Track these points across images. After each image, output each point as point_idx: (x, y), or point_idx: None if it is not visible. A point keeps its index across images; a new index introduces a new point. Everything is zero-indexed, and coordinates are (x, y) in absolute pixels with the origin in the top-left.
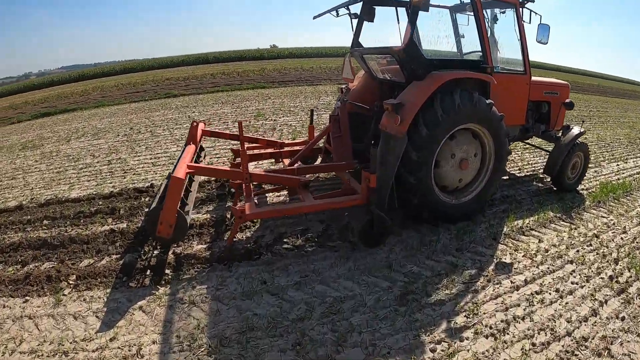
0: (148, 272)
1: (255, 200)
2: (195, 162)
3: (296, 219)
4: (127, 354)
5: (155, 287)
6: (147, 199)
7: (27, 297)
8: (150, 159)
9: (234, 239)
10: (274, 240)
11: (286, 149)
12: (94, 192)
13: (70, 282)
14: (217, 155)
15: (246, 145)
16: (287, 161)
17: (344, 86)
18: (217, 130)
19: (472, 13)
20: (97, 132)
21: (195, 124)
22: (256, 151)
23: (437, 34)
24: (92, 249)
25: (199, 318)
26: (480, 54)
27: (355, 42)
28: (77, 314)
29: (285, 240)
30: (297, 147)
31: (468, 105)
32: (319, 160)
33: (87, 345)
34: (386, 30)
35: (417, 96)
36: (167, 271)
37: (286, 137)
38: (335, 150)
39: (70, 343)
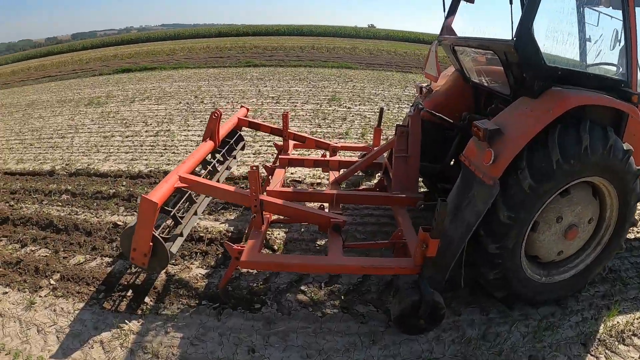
0: (129, 292)
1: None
2: (205, 167)
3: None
4: None
5: (128, 315)
6: None
7: (8, 289)
8: (199, 136)
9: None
10: (289, 285)
11: (336, 157)
12: (124, 169)
13: (52, 281)
14: (263, 152)
15: (291, 143)
16: (333, 176)
17: (424, 85)
18: (257, 120)
19: (609, 9)
20: (163, 96)
21: (215, 115)
22: (296, 153)
23: (553, 32)
24: (89, 243)
25: None
26: (615, 69)
27: (447, 27)
28: (42, 326)
29: (302, 288)
30: (352, 156)
31: (600, 149)
32: (375, 178)
33: None
34: (491, 14)
35: (525, 124)
36: (147, 299)
37: (355, 130)
38: (396, 175)
39: None
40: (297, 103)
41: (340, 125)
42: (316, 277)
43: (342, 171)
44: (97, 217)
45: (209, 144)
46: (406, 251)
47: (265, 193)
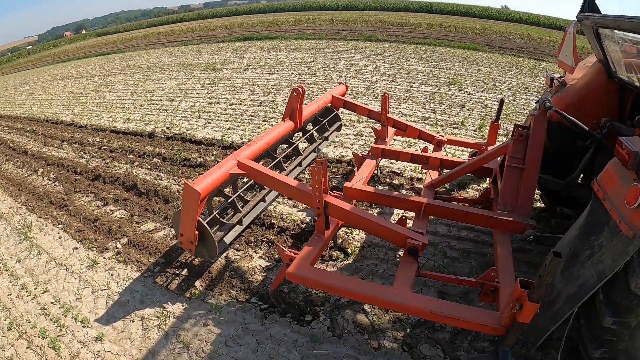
0: (184, 271)
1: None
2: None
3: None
4: None
5: (175, 296)
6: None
7: (79, 245)
8: None
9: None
10: (351, 301)
11: (439, 153)
12: (218, 138)
13: (119, 245)
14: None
15: (391, 131)
16: (430, 176)
17: (557, 76)
18: (354, 100)
19: None
20: (276, 65)
21: (297, 92)
22: (398, 142)
23: None
24: (163, 212)
25: None
26: None
27: (590, 3)
28: (96, 288)
29: (366, 307)
30: (461, 154)
31: None
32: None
33: (76, 330)
34: None
35: None
36: (198, 283)
37: (473, 121)
38: (505, 190)
39: (71, 317)
40: (413, 83)
41: (457, 113)
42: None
43: (443, 172)
44: (179, 186)
45: (288, 125)
46: (495, 298)
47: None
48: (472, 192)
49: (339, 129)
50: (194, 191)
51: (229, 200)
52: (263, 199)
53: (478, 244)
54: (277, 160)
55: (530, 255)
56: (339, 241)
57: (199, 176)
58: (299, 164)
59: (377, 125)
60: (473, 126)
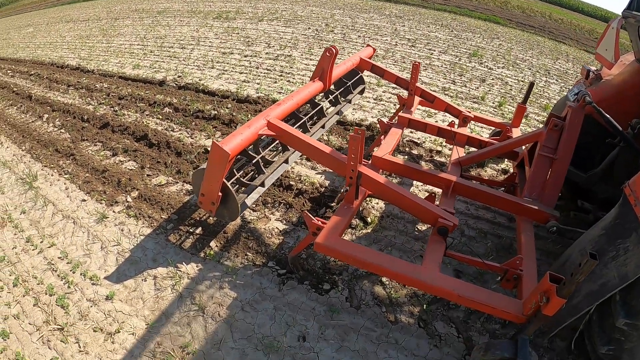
0: (198, 230)
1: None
2: (313, 107)
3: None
4: (101, 326)
5: (189, 255)
6: None
7: (87, 198)
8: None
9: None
10: (367, 273)
11: (465, 129)
12: (233, 90)
13: (129, 199)
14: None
15: (417, 100)
16: (457, 153)
17: (593, 69)
18: (382, 65)
19: None
20: (293, 19)
21: (330, 53)
22: (420, 112)
23: None
24: (175, 165)
25: (190, 339)
26: None
27: (639, 2)
28: (106, 244)
29: (384, 279)
30: (485, 132)
31: None
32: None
33: (85, 287)
34: None
35: None
36: (213, 243)
37: (492, 97)
38: (533, 178)
39: (80, 274)
40: (434, 51)
41: (477, 87)
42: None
43: (467, 150)
44: (192, 138)
45: (317, 85)
46: (516, 285)
47: (370, 157)
48: (489, 172)
49: (362, 92)
50: (223, 152)
51: (253, 162)
52: (286, 161)
53: (495, 225)
54: (301, 122)
55: (544, 242)
56: (360, 209)
57: (227, 136)
58: (322, 126)
59: (401, 92)
60: (493, 102)
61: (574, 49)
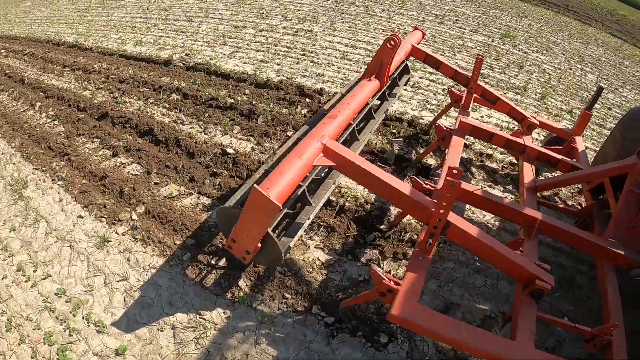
0: (222, 262)
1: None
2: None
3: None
4: None
5: (213, 296)
6: (304, 112)
7: (85, 213)
8: (345, 45)
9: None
10: None
11: (534, 142)
12: (250, 73)
13: (135, 215)
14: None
15: (473, 97)
16: (529, 174)
17: None
18: (437, 56)
19: None
20: None
21: (392, 43)
22: (484, 118)
23: None
24: (188, 170)
25: None
26: None
27: None
28: (110, 277)
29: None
30: (558, 140)
31: None
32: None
33: (89, 336)
34: None
35: None
36: (242, 281)
37: (533, 87)
38: (620, 217)
39: (82, 318)
40: (464, 30)
41: (517, 75)
42: (468, 310)
43: (539, 173)
44: (205, 134)
45: (374, 85)
46: (602, 349)
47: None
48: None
49: (407, 83)
50: (270, 203)
51: (299, 192)
52: (334, 181)
53: (556, 251)
54: (351, 129)
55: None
56: (414, 235)
57: (270, 175)
58: (370, 131)
59: (456, 87)
60: (535, 94)
61: (600, 31)
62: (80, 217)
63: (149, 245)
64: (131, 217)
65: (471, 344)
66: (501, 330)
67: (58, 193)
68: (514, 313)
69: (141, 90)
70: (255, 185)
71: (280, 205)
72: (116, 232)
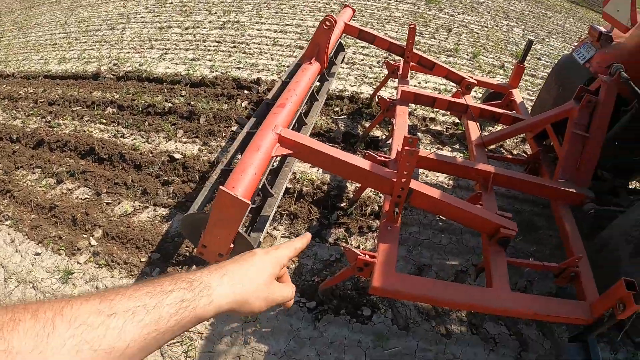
0: (193, 269)
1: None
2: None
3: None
4: None
5: None
6: (245, 104)
7: (41, 249)
8: (274, 31)
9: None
10: None
11: (471, 98)
12: (183, 73)
13: (93, 240)
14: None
15: (410, 66)
16: (474, 131)
17: (604, 30)
18: (371, 30)
19: None
20: None
21: (328, 24)
22: (422, 84)
23: None
24: (138, 183)
25: None
26: None
27: None
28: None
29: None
30: (496, 95)
31: None
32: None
33: None
34: None
35: None
36: None
37: (464, 48)
38: (567, 158)
39: None
40: (390, 0)
41: (446, 38)
42: (440, 269)
43: (483, 128)
44: (149, 143)
45: (315, 68)
46: (571, 281)
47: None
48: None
49: (343, 60)
50: (240, 202)
51: (260, 185)
52: (289, 169)
53: (511, 199)
54: (298, 114)
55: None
56: (376, 206)
57: (233, 174)
58: (316, 113)
59: (391, 58)
60: (467, 55)
61: None
62: (37, 254)
63: (115, 268)
64: (90, 243)
65: (454, 299)
66: (475, 281)
67: (8, 234)
68: (485, 263)
69: (74, 109)
70: (221, 187)
71: (250, 202)
72: (78, 262)
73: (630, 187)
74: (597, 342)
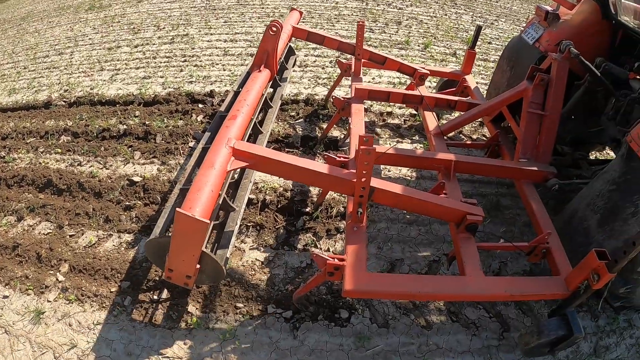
0: (164, 294)
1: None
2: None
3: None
4: None
5: (168, 331)
6: (200, 118)
7: (9, 291)
8: (225, 41)
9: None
10: None
11: (426, 89)
12: (135, 93)
13: (60, 276)
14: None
15: (362, 63)
16: (432, 121)
17: (550, 9)
18: (319, 31)
19: None
20: None
21: (274, 30)
22: (376, 79)
23: None
24: (100, 212)
25: None
26: None
27: None
28: (58, 350)
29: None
30: (450, 83)
31: None
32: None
33: None
34: None
35: None
36: (191, 306)
37: (415, 39)
38: (526, 138)
39: None
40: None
41: (397, 31)
42: (413, 261)
43: (440, 116)
44: (107, 168)
45: (265, 75)
46: (543, 257)
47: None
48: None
49: (295, 64)
50: (199, 223)
51: (220, 200)
52: (252, 181)
53: (475, 183)
54: (252, 123)
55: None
56: (341, 207)
57: (189, 194)
58: (271, 120)
59: (342, 57)
60: (418, 46)
61: None
62: (5, 297)
63: (86, 302)
64: (57, 279)
65: (429, 292)
66: (448, 270)
67: None
68: (456, 251)
69: (27, 141)
70: (178, 209)
71: (209, 222)
72: (48, 300)
73: (590, 157)
74: (576, 312)
